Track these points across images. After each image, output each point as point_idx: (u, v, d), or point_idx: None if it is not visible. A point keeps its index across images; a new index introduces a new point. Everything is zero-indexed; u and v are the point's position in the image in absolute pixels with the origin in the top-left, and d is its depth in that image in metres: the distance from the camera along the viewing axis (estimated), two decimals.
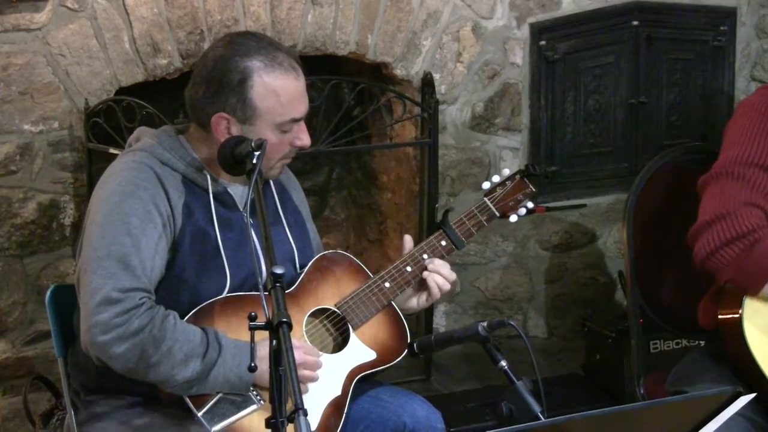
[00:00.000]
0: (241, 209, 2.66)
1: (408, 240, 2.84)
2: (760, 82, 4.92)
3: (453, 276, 2.80)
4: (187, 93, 2.65)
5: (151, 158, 2.60)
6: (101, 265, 2.47)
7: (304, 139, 2.65)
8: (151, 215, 2.53)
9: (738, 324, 2.78)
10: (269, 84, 2.56)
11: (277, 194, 2.79)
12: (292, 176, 2.91)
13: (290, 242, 2.76)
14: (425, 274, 2.77)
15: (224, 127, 2.58)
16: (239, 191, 2.68)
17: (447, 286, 2.79)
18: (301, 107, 2.62)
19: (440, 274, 2.77)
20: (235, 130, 2.57)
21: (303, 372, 2.53)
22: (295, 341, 2.44)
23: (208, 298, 2.56)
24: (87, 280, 2.48)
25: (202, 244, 2.59)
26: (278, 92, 2.57)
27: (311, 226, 2.91)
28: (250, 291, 2.62)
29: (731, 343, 2.82)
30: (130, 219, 2.50)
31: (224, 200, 2.65)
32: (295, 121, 2.62)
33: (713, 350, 2.97)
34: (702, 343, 3.21)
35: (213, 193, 2.63)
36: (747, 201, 2.80)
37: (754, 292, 2.78)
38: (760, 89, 3.09)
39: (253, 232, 2.61)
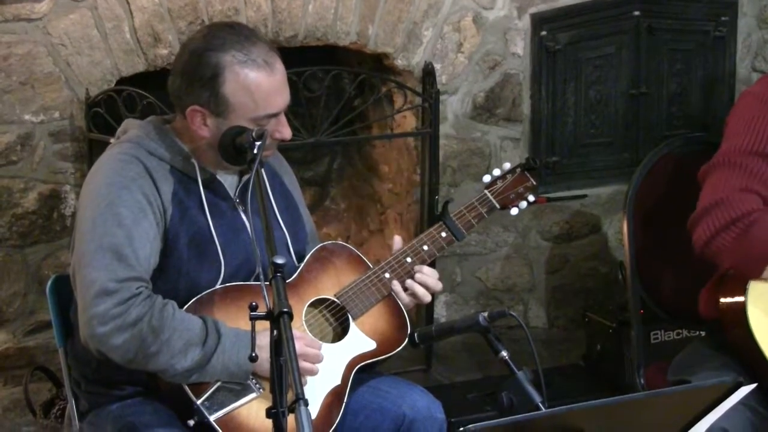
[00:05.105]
0: (232, 196, 2.66)
1: (397, 241, 2.82)
2: (761, 73, 4.91)
3: (438, 287, 2.78)
4: (168, 83, 2.65)
5: (138, 149, 2.60)
6: (95, 257, 2.47)
7: (283, 132, 2.62)
8: (141, 205, 2.52)
9: (742, 309, 2.78)
10: (241, 80, 2.53)
11: (268, 180, 2.78)
12: (284, 161, 2.90)
13: (281, 228, 2.75)
14: (408, 282, 2.74)
15: (199, 119, 2.57)
16: (228, 179, 2.68)
17: (427, 298, 2.76)
18: (277, 102, 2.58)
19: (424, 285, 2.75)
20: (211, 123, 2.56)
21: (303, 364, 2.53)
22: (296, 332, 2.45)
23: (204, 286, 2.56)
24: (82, 273, 2.48)
25: (194, 232, 2.58)
26: (251, 89, 2.54)
27: (304, 210, 2.90)
28: (246, 278, 2.62)
29: (734, 329, 2.82)
30: (120, 210, 2.50)
31: (214, 188, 2.65)
32: (272, 116, 2.60)
33: (714, 341, 2.98)
34: (702, 333, 3.21)
35: (202, 180, 2.62)
36: (743, 187, 2.84)
37: (756, 275, 2.79)
38: (761, 79, 3.10)
39: (245, 219, 2.63)
